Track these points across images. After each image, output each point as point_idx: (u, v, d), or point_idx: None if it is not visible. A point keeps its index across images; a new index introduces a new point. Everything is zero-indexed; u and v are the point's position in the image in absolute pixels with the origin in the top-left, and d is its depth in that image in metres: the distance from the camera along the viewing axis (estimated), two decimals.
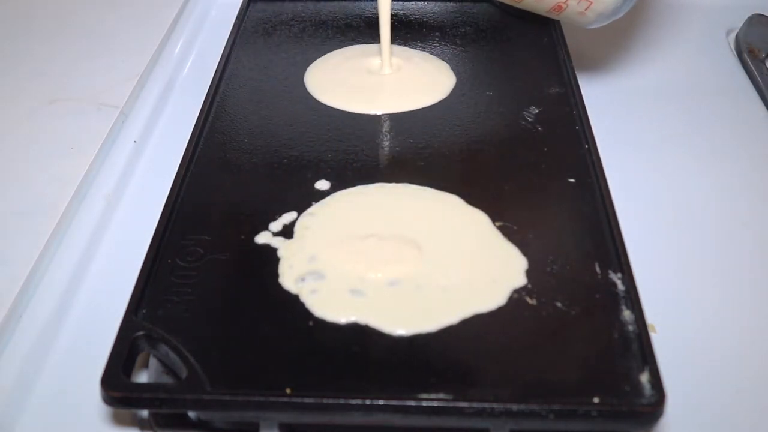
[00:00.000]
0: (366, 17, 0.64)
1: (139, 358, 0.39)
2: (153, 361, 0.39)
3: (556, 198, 0.47)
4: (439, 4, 0.66)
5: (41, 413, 0.41)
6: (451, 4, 0.66)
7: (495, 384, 0.36)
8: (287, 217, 0.45)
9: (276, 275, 0.41)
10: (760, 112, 0.60)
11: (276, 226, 0.44)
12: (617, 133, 0.57)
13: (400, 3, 0.66)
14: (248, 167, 0.50)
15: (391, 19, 0.64)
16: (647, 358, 0.36)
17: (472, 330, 0.39)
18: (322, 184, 0.47)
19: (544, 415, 0.34)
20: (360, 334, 0.38)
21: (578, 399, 0.35)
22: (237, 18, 0.64)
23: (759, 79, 0.62)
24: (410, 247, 0.42)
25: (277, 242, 0.43)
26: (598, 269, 0.41)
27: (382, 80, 0.57)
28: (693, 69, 0.60)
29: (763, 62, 0.63)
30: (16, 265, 0.45)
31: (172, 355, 0.37)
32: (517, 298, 0.40)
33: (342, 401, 0.35)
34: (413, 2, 0.66)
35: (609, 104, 0.59)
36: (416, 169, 0.48)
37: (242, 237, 0.44)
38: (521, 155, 0.50)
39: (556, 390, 0.36)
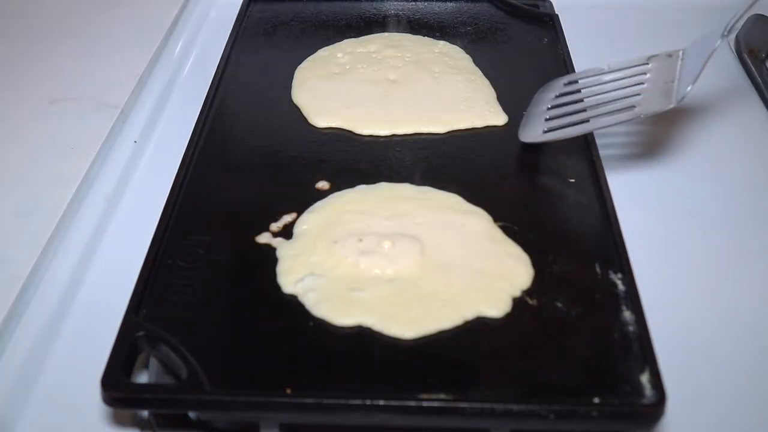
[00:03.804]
0: (366, 17, 0.64)
1: (140, 359, 0.39)
2: (153, 362, 0.39)
3: (556, 198, 0.47)
4: (439, 4, 0.66)
5: (41, 413, 0.41)
6: (451, 4, 0.66)
7: (495, 384, 0.36)
8: (287, 218, 0.45)
9: (276, 275, 0.41)
10: (760, 112, 0.60)
11: (276, 226, 0.44)
12: (617, 134, 0.56)
13: (401, 3, 0.66)
14: (248, 167, 0.50)
15: (392, 19, 0.64)
16: (647, 358, 0.36)
17: (472, 330, 0.39)
18: (322, 184, 0.47)
19: (544, 415, 0.34)
20: (360, 334, 0.38)
21: (578, 399, 0.35)
22: (237, 18, 0.64)
23: (759, 79, 0.62)
24: (410, 248, 0.42)
25: (277, 242, 0.43)
26: (598, 269, 0.41)
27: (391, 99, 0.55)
28: None
29: (763, 62, 0.63)
30: (16, 265, 0.45)
31: (173, 356, 0.37)
32: (517, 298, 0.40)
33: (342, 401, 0.35)
34: (413, 2, 0.66)
35: None
36: (417, 169, 0.48)
37: (242, 237, 0.44)
38: (522, 155, 0.50)
39: (556, 390, 0.36)
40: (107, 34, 0.67)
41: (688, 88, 0.46)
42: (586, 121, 0.48)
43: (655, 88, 0.48)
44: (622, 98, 0.48)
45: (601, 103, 0.49)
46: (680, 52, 0.48)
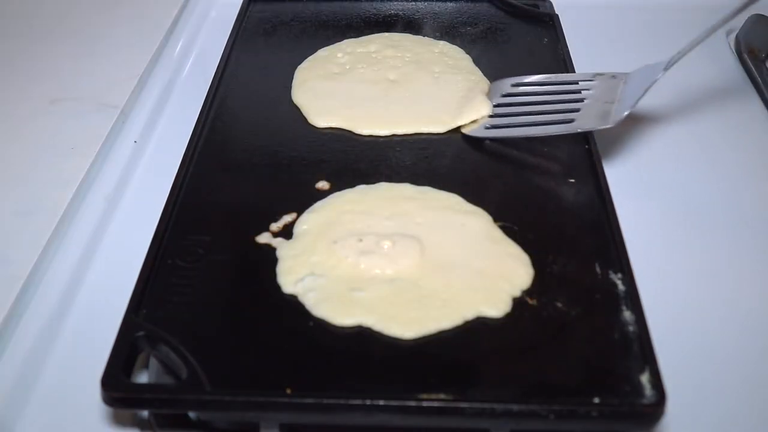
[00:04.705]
0: (366, 17, 0.64)
1: (140, 359, 0.39)
2: (153, 362, 0.39)
3: (556, 198, 0.47)
4: (439, 4, 0.66)
5: (41, 413, 0.41)
6: (451, 4, 0.66)
7: (495, 384, 0.36)
8: (287, 218, 0.45)
9: (276, 275, 0.41)
10: (760, 112, 0.60)
11: (276, 226, 0.44)
12: (617, 134, 0.56)
13: (401, 3, 0.66)
14: (248, 167, 0.50)
15: (392, 19, 0.64)
16: (647, 358, 0.36)
17: (472, 330, 0.39)
18: (322, 184, 0.47)
19: (544, 415, 0.34)
20: (360, 334, 0.38)
21: (578, 399, 0.35)
22: (237, 18, 0.64)
23: (759, 79, 0.62)
24: (410, 248, 0.42)
25: (277, 242, 0.43)
26: (598, 269, 0.41)
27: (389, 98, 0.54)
28: (693, 69, 0.60)
29: (763, 62, 0.63)
30: (16, 265, 0.45)
31: (173, 356, 0.37)
32: (517, 298, 0.40)
33: (342, 401, 0.35)
34: (414, 2, 0.66)
35: None
36: (417, 169, 0.48)
37: (242, 237, 0.44)
38: (521, 155, 0.50)
39: (556, 390, 0.36)
40: (107, 34, 0.67)
41: (626, 113, 0.48)
42: (527, 125, 0.50)
43: (594, 106, 0.50)
44: (562, 111, 0.50)
45: (542, 111, 0.51)
46: (624, 76, 0.50)
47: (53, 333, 0.44)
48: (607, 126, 0.48)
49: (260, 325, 0.39)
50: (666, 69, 0.48)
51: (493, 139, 0.51)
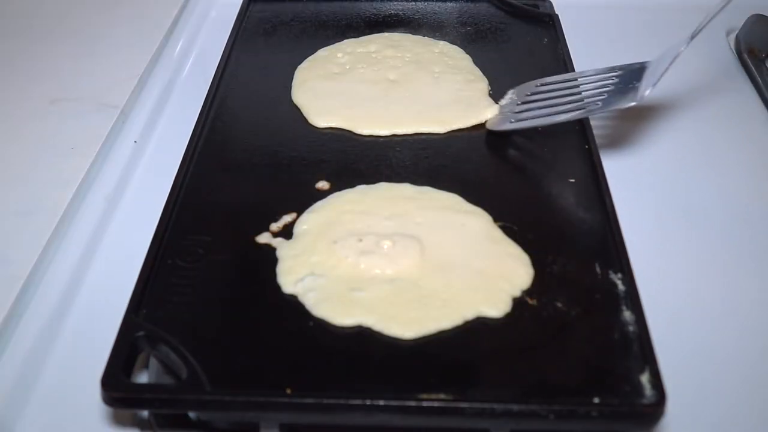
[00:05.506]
0: (366, 17, 0.64)
1: (140, 359, 0.39)
2: (153, 362, 0.39)
3: (556, 198, 0.47)
4: (439, 4, 0.66)
5: (41, 413, 0.41)
6: (451, 4, 0.66)
7: (495, 384, 0.36)
8: (287, 218, 0.45)
9: (276, 275, 0.41)
10: (760, 112, 0.60)
11: (276, 226, 0.44)
12: (617, 134, 0.57)
13: (401, 3, 0.66)
14: (248, 167, 0.50)
15: (392, 19, 0.64)
16: (647, 358, 0.36)
17: (472, 330, 0.39)
18: (322, 184, 0.47)
19: (544, 415, 0.34)
20: (360, 334, 0.38)
21: (578, 399, 0.35)
22: (237, 18, 0.64)
23: (759, 79, 0.62)
24: (410, 248, 0.42)
25: (277, 242, 0.43)
26: (598, 269, 0.41)
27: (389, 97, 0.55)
28: (693, 69, 0.60)
29: (763, 62, 0.63)
30: (16, 265, 0.45)
31: (173, 356, 0.37)
32: (517, 298, 0.40)
33: (342, 401, 0.35)
34: (414, 2, 0.66)
35: None
36: (416, 169, 0.48)
37: (242, 237, 0.44)
38: (521, 155, 0.50)
39: (556, 390, 0.36)
40: (107, 34, 0.67)
41: (648, 91, 0.48)
42: (553, 115, 0.50)
43: (620, 89, 0.50)
44: (589, 96, 0.50)
45: (568, 102, 0.51)
46: (647, 62, 0.50)
47: (53, 333, 0.44)
48: (634, 102, 0.48)
49: (260, 325, 0.39)
50: (688, 42, 0.48)
51: (518, 131, 0.51)
